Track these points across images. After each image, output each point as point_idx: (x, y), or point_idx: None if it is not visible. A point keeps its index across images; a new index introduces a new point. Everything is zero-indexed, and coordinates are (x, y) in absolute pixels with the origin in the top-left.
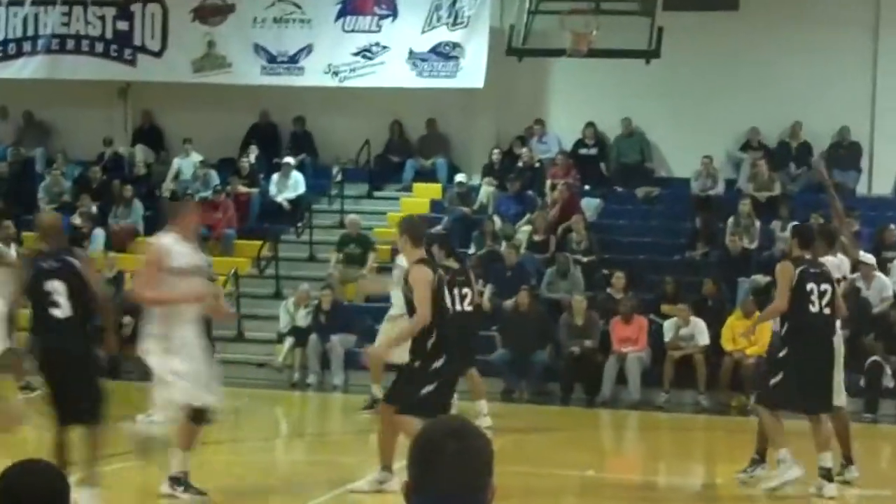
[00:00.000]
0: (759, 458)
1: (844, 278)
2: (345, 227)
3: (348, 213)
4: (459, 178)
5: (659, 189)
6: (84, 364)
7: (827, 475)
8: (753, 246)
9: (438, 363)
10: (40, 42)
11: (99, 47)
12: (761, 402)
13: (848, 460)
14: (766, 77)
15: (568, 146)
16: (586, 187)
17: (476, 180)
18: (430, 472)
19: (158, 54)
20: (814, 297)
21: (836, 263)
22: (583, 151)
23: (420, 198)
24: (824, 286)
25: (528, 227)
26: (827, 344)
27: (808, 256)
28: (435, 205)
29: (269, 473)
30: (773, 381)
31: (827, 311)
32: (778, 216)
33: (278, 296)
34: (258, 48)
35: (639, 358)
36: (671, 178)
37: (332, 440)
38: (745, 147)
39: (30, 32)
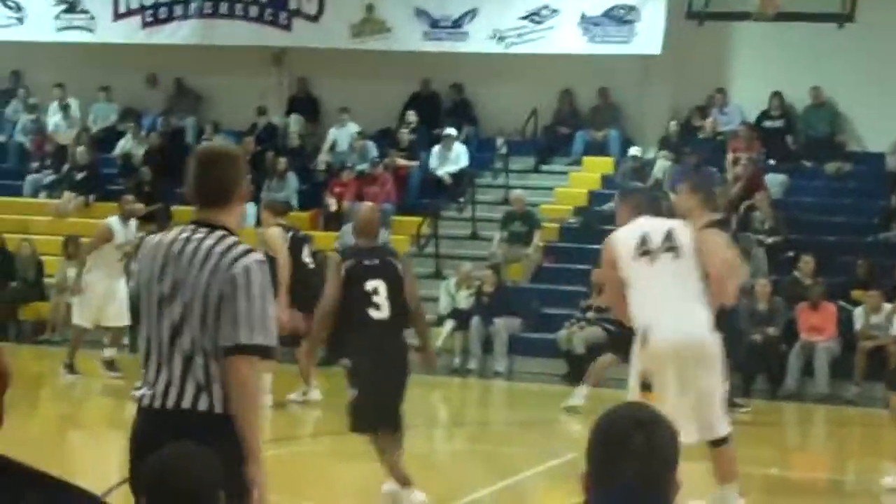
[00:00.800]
0: None
1: None
2: (509, 204)
3: (513, 188)
4: (633, 151)
5: (851, 164)
6: (401, 369)
7: None
8: None
9: None
10: (192, 6)
11: (253, 11)
12: None
13: None
14: None
15: (751, 117)
16: (771, 162)
17: (651, 154)
18: (614, 463)
19: (315, 18)
20: None
21: None
22: (768, 123)
23: (590, 172)
24: None
25: None
26: None
27: None
28: (606, 180)
29: (429, 463)
30: None
31: None
32: None
33: (438, 276)
34: (420, 12)
35: (827, 348)
36: (864, 153)
37: (494, 430)
38: None
39: None
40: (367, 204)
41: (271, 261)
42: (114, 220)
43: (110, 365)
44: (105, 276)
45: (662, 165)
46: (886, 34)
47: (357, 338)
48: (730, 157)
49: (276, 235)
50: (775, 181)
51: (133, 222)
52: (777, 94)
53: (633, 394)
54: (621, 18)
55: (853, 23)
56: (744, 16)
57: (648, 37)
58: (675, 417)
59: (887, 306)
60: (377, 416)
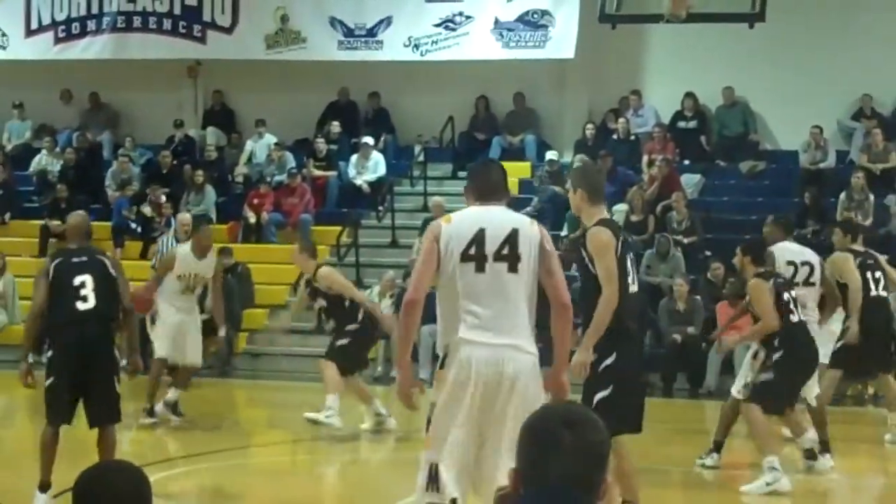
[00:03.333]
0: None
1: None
2: (429, 210)
3: (432, 195)
4: (550, 155)
5: (764, 163)
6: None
7: None
8: (868, 222)
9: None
10: (105, 20)
11: (167, 24)
12: None
13: None
14: (878, 40)
15: (666, 119)
16: (686, 162)
17: (567, 157)
18: (543, 462)
19: (229, 31)
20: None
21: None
22: (682, 124)
23: (508, 177)
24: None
25: (624, 207)
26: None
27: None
28: (524, 184)
29: (357, 474)
30: None
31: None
32: (894, 190)
33: (359, 284)
34: (334, 21)
35: (747, 345)
36: (777, 151)
37: (420, 437)
38: (858, 116)
39: (94, 10)
40: (78, 212)
41: None
42: (183, 249)
43: (174, 407)
44: (176, 311)
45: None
46: (797, 33)
47: (64, 329)
48: (645, 158)
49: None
50: (690, 181)
51: (211, 256)
52: (690, 95)
53: None
54: (535, 23)
55: (764, 22)
56: (656, 18)
57: (562, 41)
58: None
59: None
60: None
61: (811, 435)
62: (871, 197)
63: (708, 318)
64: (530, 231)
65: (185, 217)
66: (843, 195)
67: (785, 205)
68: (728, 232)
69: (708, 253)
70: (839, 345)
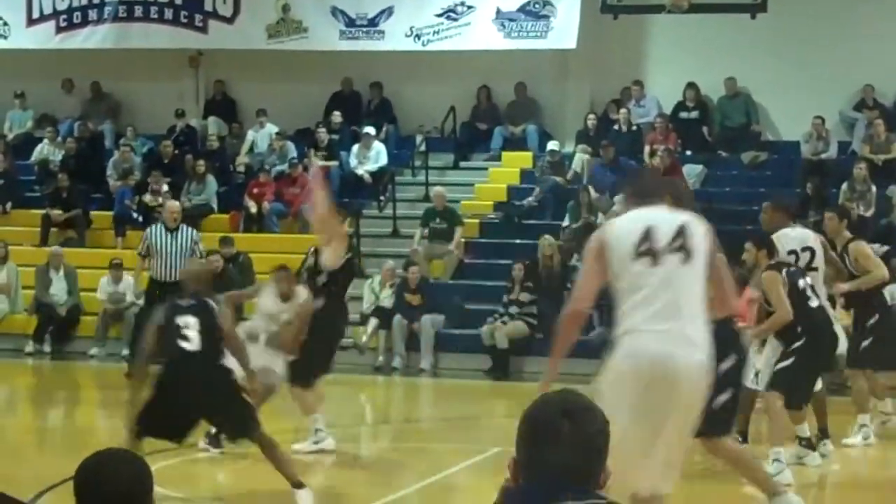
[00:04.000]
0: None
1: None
2: (430, 201)
3: (433, 185)
4: (551, 145)
5: (766, 153)
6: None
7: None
8: (870, 213)
9: None
10: (107, 9)
11: (168, 14)
12: None
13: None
14: (882, 30)
15: (668, 109)
16: (688, 153)
17: (569, 148)
18: (541, 452)
19: (231, 20)
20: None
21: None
22: (684, 115)
23: (509, 167)
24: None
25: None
26: None
27: None
28: (526, 175)
29: (355, 462)
30: None
31: None
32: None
33: (361, 274)
34: (336, 11)
35: (748, 334)
36: (779, 142)
37: (420, 427)
38: (860, 106)
39: (95, 0)
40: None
41: None
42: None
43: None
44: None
45: (581, 159)
46: (798, 23)
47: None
48: (647, 149)
49: None
50: (692, 172)
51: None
52: (692, 86)
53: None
54: (537, 13)
55: (766, 13)
56: (658, 8)
57: (564, 31)
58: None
59: None
60: None
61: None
62: (874, 188)
63: None
64: (698, 227)
65: (173, 204)
66: (844, 186)
67: (787, 196)
68: (730, 223)
69: None
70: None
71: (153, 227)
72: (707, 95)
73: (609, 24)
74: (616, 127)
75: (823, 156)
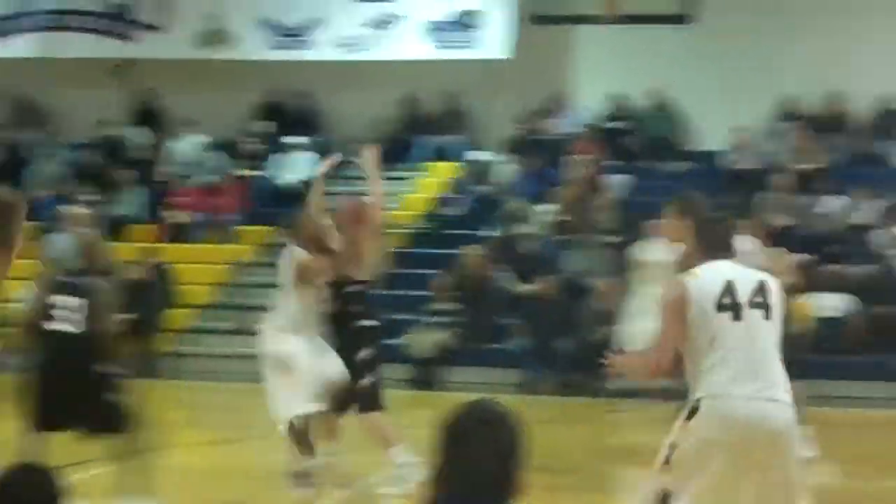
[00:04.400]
0: None
1: None
2: None
3: (361, 195)
4: (479, 155)
5: (691, 163)
6: None
7: None
8: (793, 223)
9: None
10: (32, 19)
11: (94, 23)
12: None
13: None
14: (806, 42)
15: (594, 119)
16: (613, 163)
17: (496, 158)
18: (458, 462)
19: (159, 29)
20: None
21: None
22: (610, 125)
23: (436, 177)
24: None
25: (551, 207)
26: None
27: None
28: (452, 185)
29: (269, 471)
30: None
31: None
32: (817, 190)
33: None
34: (265, 21)
35: None
36: (704, 152)
37: (342, 436)
38: (784, 117)
39: (21, 8)
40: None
41: None
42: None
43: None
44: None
45: (507, 169)
46: (723, 34)
47: None
48: (573, 159)
49: None
50: (617, 182)
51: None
52: (618, 96)
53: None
54: (466, 24)
55: (691, 24)
56: (587, 18)
57: (494, 41)
58: None
59: None
60: None
61: None
62: (797, 198)
63: None
64: (773, 283)
65: (74, 210)
66: (767, 195)
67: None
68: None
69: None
70: None
71: (55, 236)
72: (633, 106)
73: (538, 35)
74: (543, 137)
75: (747, 166)
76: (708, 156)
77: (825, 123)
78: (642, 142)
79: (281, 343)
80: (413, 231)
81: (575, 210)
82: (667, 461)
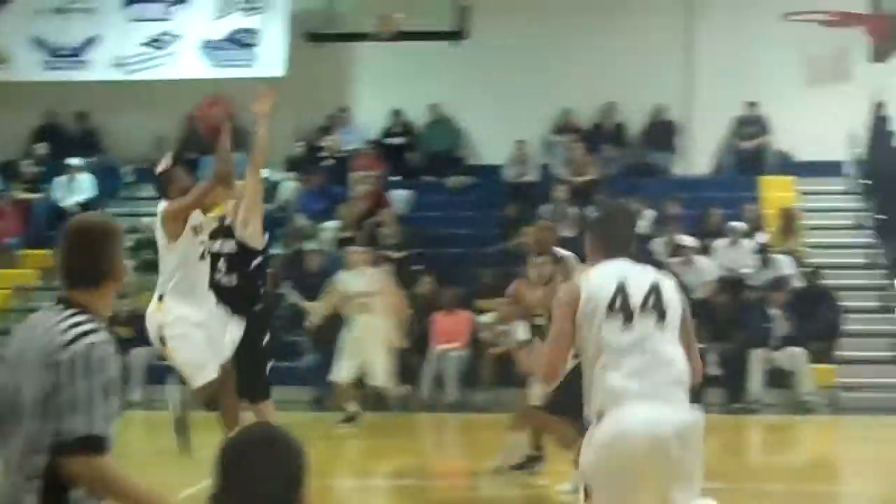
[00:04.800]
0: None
1: None
2: (140, 231)
3: (143, 216)
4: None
5: (471, 177)
6: None
7: None
8: (571, 233)
9: None
10: None
11: None
12: None
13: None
14: (579, 56)
15: (374, 135)
16: (395, 178)
17: (278, 175)
18: (235, 484)
19: None
20: None
21: None
22: (390, 140)
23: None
24: None
25: (334, 223)
26: None
27: None
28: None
29: None
30: None
31: None
32: (594, 201)
33: None
34: (38, 41)
35: (459, 356)
36: (483, 166)
37: (130, 460)
38: (560, 130)
39: None
40: None
41: None
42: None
43: None
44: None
45: (290, 186)
46: (498, 49)
47: None
48: (355, 175)
49: None
50: (400, 197)
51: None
52: (398, 112)
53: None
54: (242, 42)
55: (467, 40)
56: (362, 36)
57: (270, 59)
58: None
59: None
60: None
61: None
62: (574, 209)
63: (420, 332)
64: (668, 283)
65: None
66: (546, 208)
67: (491, 218)
68: (438, 246)
69: (421, 266)
70: None
71: None
72: (413, 121)
73: (316, 52)
74: (324, 154)
75: (525, 179)
76: (489, 170)
77: (600, 135)
78: (424, 157)
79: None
80: None
81: (359, 226)
82: (586, 494)
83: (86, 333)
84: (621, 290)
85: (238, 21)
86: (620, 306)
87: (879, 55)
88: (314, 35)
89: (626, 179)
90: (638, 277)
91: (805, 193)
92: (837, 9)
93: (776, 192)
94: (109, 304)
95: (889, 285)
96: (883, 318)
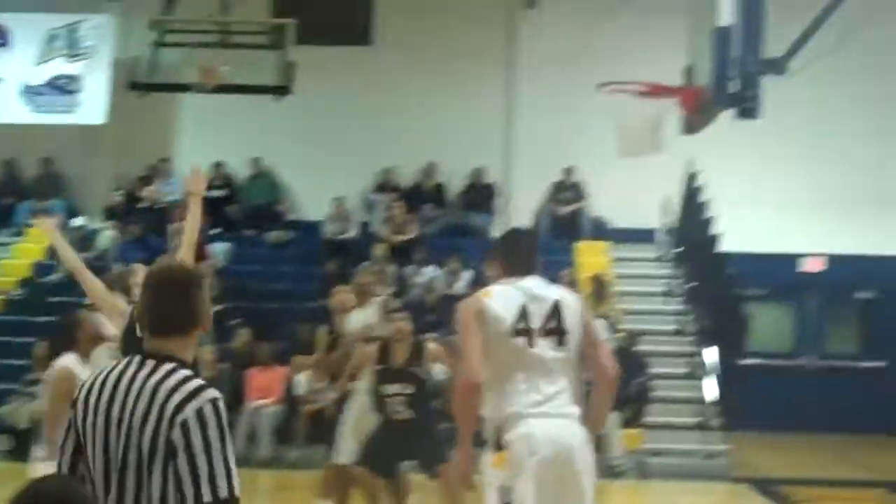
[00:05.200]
0: None
1: None
2: None
3: None
4: (78, 221)
5: (291, 232)
6: None
7: None
8: (389, 292)
9: None
10: None
11: None
12: None
13: None
14: (401, 115)
15: None
16: (215, 231)
17: (97, 223)
18: None
19: None
20: None
21: None
22: (211, 193)
23: (35, 243)
24: None
25: None
26: None
27: None
28: (51, 251)
29: None
30: None
31: None
32: (413, 260)
33: None
34: None
35: (273, 412)
36: (303, 221)
37: None
38: (380, 188)
39: None
40: None
41: None
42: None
43: None
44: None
45: (108, 235)
46: (322, 107)
47: None
48: (173, 226)
49: None
50: (219, 250)
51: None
52: (219, 164)
53: None
54: (64, 88)
55: (290, 95)
56: (185, 87)
57: (91, 106)
58: None
59: None
60: None
61: None
62: (392, 267)
63: (235, 387)
64: (570, 302)
65: None
66: (365, 265)
67: (310, 274)
68: (256, 300)
69: (239, 320)
70: None
71: None
72: (234, 174)
73: (138, 101)
74: (143, 204)
75: (345, 236)
76: (309, 225)
77: (420, 194)
78: (244, 210)
79: None
80: (11, 298)
81: None
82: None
83: (200, 389)
84: (523, 312)
85: (60, 67)
86: (523, 328)
87: (691, 127)
88: (137, 84)
89: (445, 239)
90: (540, 298)
91: (619, 259)
92: (652, 80)
93: (590, 257)
94: (193, 351)
95: (697, 352)
96: (690, 385)
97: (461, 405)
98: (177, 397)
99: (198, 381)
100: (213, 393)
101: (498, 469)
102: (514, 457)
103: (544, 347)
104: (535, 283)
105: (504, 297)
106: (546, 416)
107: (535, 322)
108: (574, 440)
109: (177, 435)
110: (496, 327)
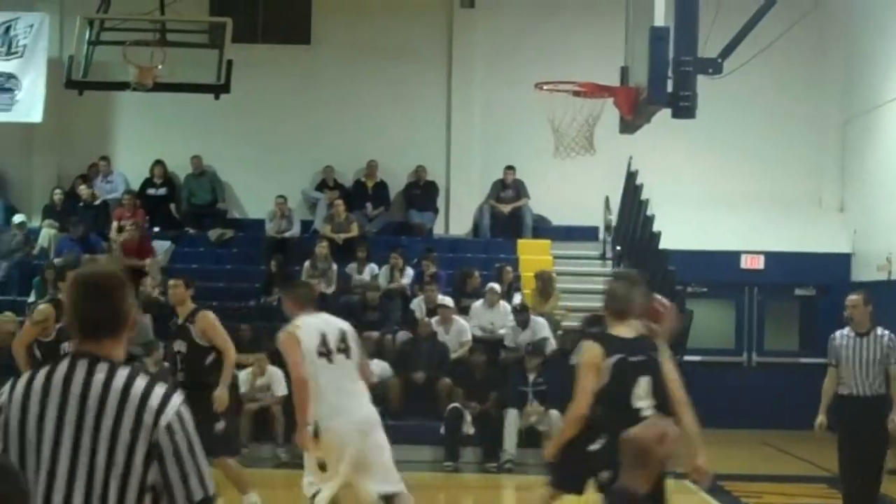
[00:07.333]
0: None
1: None
2: None
3: None
4: (17, 219)
5: (233, 231)
6: None
7: None
8: (331, 290)
9: None
10: None
11: None
12: None
13: None
14: (341, 114)
15: (135, 185)
16: (157, 229)
17: (36, 222)
18: None
19: None
20: None
21: None
22: (151, 191)
23: None
24: None
25: None
26: None
27: None
28: None
29: None
30: None
31: None
32: (355, 258)
33: None
34: None
35: None
36: (245, 220)
37: None
38: (321, 186)
39: None
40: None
41: None
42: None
43: None
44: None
45: (48, 234)
46: (261, 106)
47: None
48: (115, 224)
49: None
50: (161, 248)
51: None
52: (159, 163)
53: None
54: (1, 86)
55: (229, 94)
56: (123, 86)
57: (29, 105)
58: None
59: (271, 368)
60: None
61: None
62: (334, 265)
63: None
64: (350, 330)
65: None
66: (307, 263)
67: (252, 272)
68: (199, 299)
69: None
70: None
71: None
72: (174, 172)
73: (76, 100)
74: (83, 202)
75: (287, 234)
76: (251, 224)
77: (362, 193)
78: (185, 209)
79: None
80: None
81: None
82: (321, 468)
83: (170, 391)
84: (323, 338)
85: None
86: (325, 349)
87: (628, 126)
88: (74, 82)
89: (386, 238)
90: (332, 327)
91: (561, 257)
92: (588, 79)
93: (532, 255)
94: (124, 351)
95: None
96: None
97: (301, 395)
98: (154, 401)
99: (163, 383)
100: (179, 394)
101: (316, 448)
102: (328, 444)
103: (340, 360)
104: (326, 317)
105: (310, 330)
106: (345, 410)
107: (332, 345)
108: (367, 424)
109: (163, 438)
110: (309, 350)
